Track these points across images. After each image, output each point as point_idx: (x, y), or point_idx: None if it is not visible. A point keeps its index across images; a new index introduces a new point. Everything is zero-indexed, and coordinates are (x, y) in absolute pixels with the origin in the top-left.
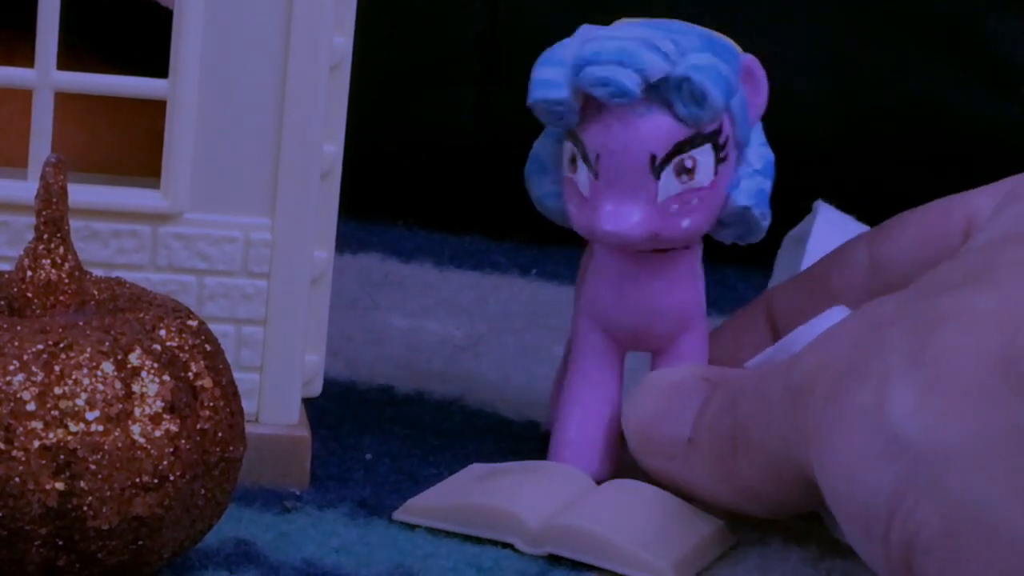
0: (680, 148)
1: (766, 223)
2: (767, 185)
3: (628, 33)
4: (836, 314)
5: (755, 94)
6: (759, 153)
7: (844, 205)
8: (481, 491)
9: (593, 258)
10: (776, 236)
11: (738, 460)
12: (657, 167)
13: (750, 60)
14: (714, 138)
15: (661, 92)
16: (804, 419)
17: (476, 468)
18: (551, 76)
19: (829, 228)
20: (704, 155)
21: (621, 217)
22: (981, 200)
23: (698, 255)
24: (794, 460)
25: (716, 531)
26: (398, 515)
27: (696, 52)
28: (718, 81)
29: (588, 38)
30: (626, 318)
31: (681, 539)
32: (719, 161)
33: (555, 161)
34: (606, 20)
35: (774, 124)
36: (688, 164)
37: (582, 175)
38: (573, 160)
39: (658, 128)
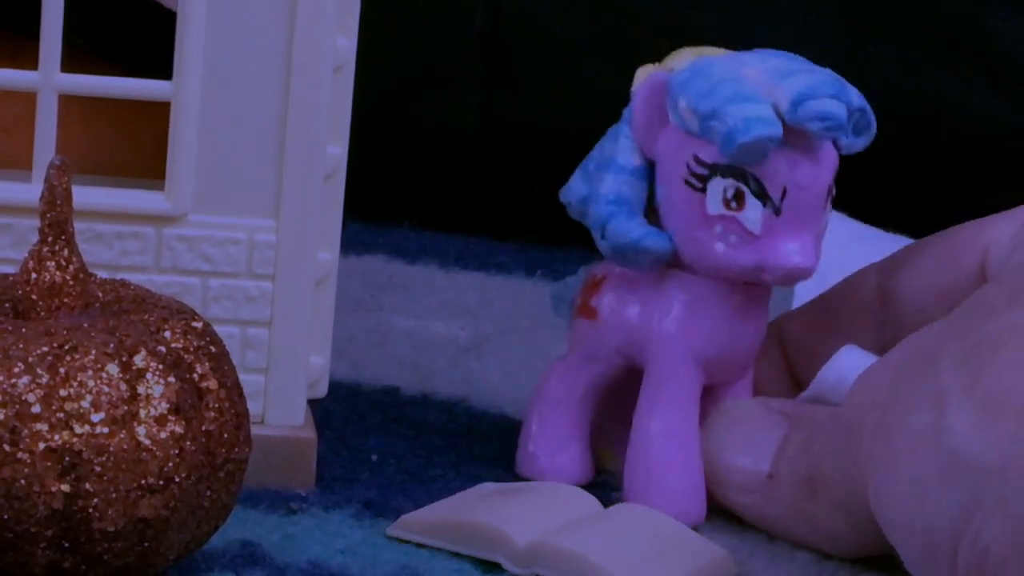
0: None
1: None
2: None
3: (805, 65)
4: (849, 352)
5: None
6: None
7: (844, 204)
8: (475, 509)
9: (678, 294)
10: None
11: (818, 503)
12: (828, 199)
13: None
14: None
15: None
16: (857, 454)
17: (485, 487)
18: (764, 113)
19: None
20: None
21: (807, 252)
22: (998, 228)
23: None
24: (858, 498)
25: (717, 560)
26: (392, 530)
27: (849, 86)
28: (872, 112)
29: (763, 73)
30: (730, 352)
31: (676, 565)
32: None
33: (638, 200)
34: (609, 20)
35: None
36: (834, 193)
37: (753, 212)
38: (737, 197)
39: (832, 160)
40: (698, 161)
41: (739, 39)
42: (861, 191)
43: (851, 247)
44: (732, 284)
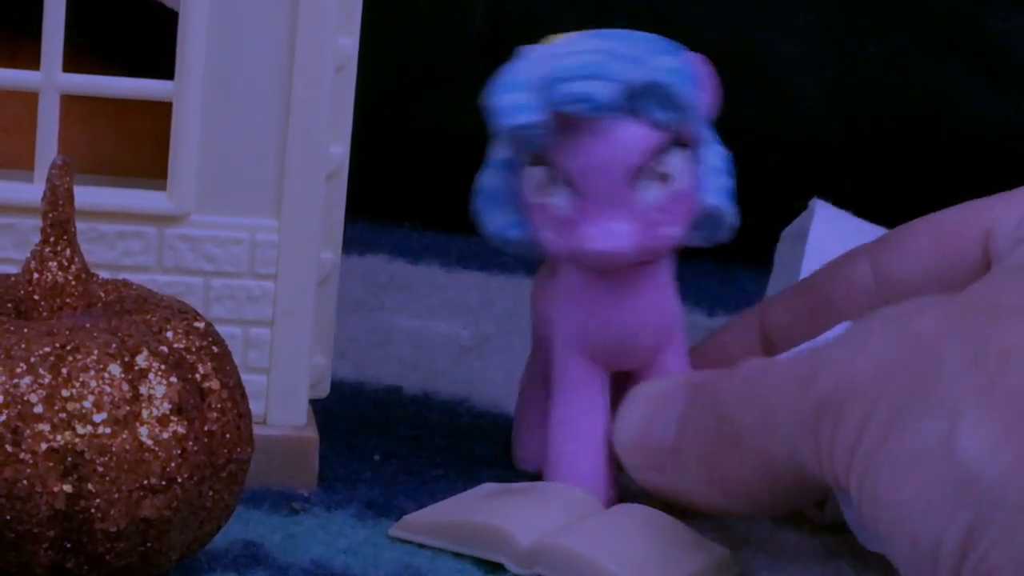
0: (656, 155)
1: (733, 220)
2: (730, 183)
3: (586, 46)
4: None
5: (704, 92)
6: (716, 151)
7: (849, 203)
8: (477, 509)
9: (562, 282)
10: (780, 234)
11: (724, 458)
12: (637, 178)
13: (696, 59)
14: (683, 141)
15: (630, 101)
16: (831, 437)
17: (486, 487)
18: (519, 100)
19: (827, 228)
20: (678, 159)
21: (610, 235)
22: (1000, 209)
23: (670, 265)
24: (801, 469)
25: (717, 559)
26: (394, 531)
27: (657, 55)
28: (686, 82)
29: (545, 57)
30: (608, 337)
31: (677, 565)
32: (691, 163)
33: (507, 192)
34: (609, 20)
35: (778, 122)
36: (666, 170)
37: (559, 198)
38: (542, 185)
39: (633, 138)
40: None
41: (739, 39)
42: (865, 189)
43: (852, 241)
44: (591, 271)
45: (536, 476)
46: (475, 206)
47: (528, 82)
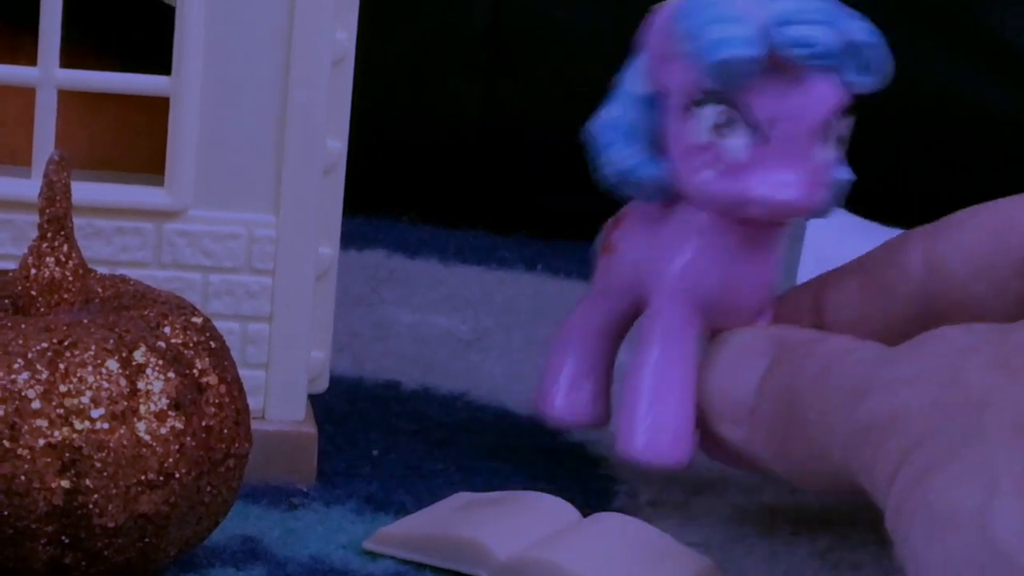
0: (840, 116)
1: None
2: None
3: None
4: None
5: None
6: None
7: (854, 197)
8: (454, 521)
9: (679, 229)
10: None
11: (790, 435)
12: (821, 135)
13: None
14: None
15: (837, 58)
16: (872, 458)
17: (461, 497)
18: (738, 33)
19: (823, 227)
20: (849, 124)
21: (786, 185)
22: None
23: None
24: (853, 474)
25: (702, 570)
26: (369, 545)
27: (858, 21)
28: (887, 51)
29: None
30: (721, 293)
31: None
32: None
33: (642, 128)
34: (611, 11)
35: None
36: (845, 132)
37: (737, 141)
38: (725, 125)
39: (832, 93)
40: (697, 87)
41: None
42: (869, 181)
43: (848, 238)
44: (730, 222)
45: (568, 426)
46: (596, 141)
47: (745, 17)
